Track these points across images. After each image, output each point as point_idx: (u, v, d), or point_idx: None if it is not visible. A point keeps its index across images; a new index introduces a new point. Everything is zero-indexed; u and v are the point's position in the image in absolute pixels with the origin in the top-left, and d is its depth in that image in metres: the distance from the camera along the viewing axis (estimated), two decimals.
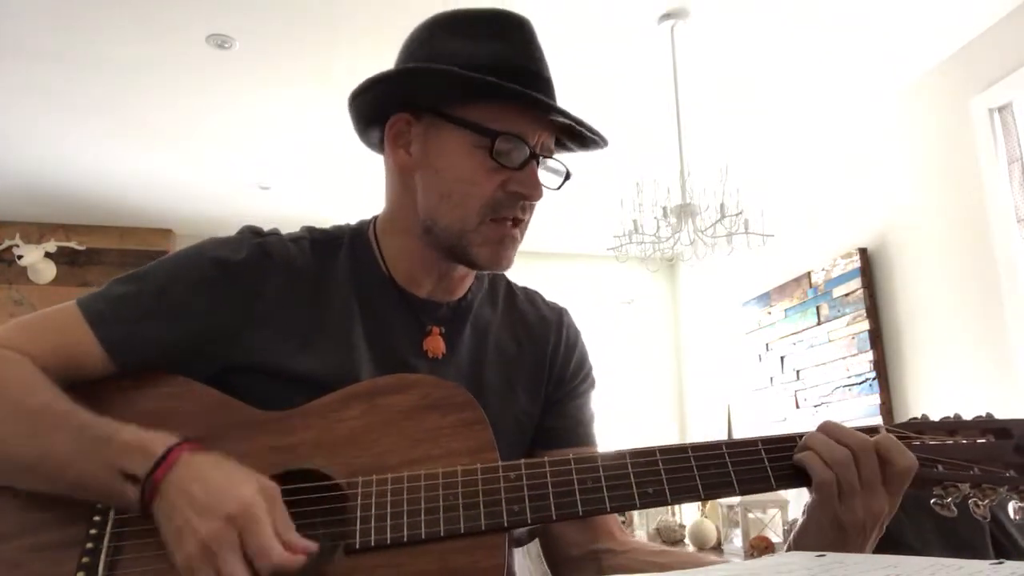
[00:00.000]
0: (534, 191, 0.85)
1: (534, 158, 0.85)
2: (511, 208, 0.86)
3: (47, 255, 4.74)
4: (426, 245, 0.90)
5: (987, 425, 0.76)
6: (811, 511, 0.75)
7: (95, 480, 0.71)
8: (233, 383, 0.83)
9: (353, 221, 0.99)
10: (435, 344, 0.91)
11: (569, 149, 0.94)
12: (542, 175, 0.87)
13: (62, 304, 0.84)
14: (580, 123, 0.87)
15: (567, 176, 0.92)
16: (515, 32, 0.89)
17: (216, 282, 0.84)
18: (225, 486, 0.68)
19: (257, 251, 0.87)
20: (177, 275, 0.85)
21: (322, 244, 0.92)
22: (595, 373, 1.04)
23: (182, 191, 4.45)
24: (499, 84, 0.81)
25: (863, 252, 3.62)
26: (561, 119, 0.86)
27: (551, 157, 0.89)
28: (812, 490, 0.74)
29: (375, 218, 0.97)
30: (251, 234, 0.90)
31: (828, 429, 0.76)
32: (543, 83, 0.87)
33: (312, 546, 0.69)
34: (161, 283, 0.84)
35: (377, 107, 0.89)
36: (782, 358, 4.18)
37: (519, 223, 0.88)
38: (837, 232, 3.85)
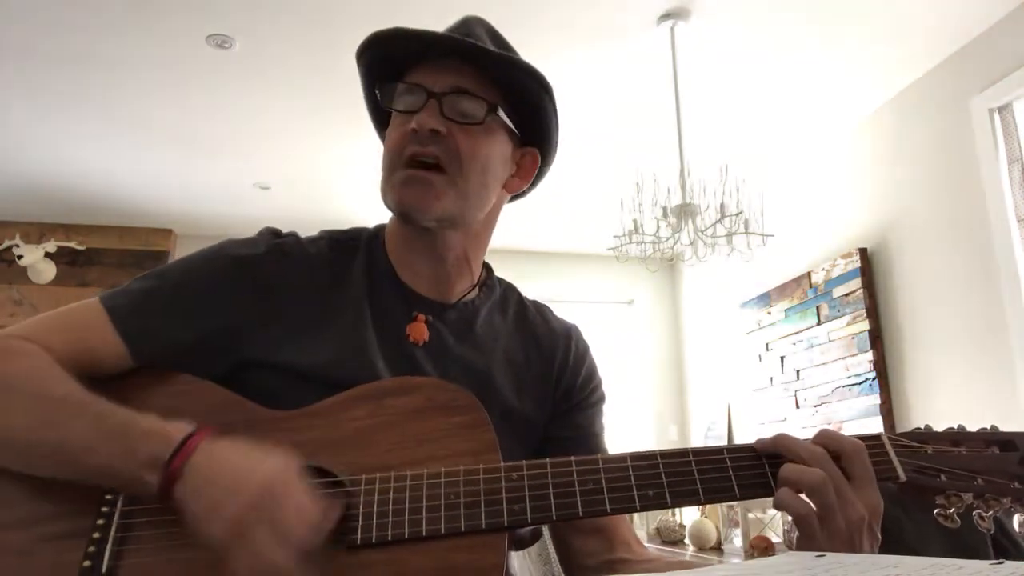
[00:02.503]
0: (419, 117, 0.87)
1: (433, 98, 0.88)
2: (409, 146, 0.88)
3: (47, 255, 4.75)
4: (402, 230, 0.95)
5: (992, 437, 0.75)
6: (798, 546, 0.73)
7: (113, 468, 0.72)
8: (247, 379, 0.85)
9: (353, 220, 1.01)
10: (418, 330, 0.92)
11: (504, 85, 0.92)
12: (452, 108, 0.88)
13: (84, 300, 0.86)
14: (441, 40, 0.90)
15: (491, 108, 0.90)
16: (458, 24, 0.96)
17: (233, 278, 0.87)
18: (246, 467, 0.70)
19: (274, 249, 0.90)
20: (196, 271, 0.88)
21: (340, 244, 0.96)
22: (604, 389, 1.04)
23: (182, 191, 4.45)
24: (371, 40, 0.90)
25: (863, 252, 3.62)
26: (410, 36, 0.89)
27: (459, 94, 0.89)
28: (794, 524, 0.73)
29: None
30: (270, 235, 0.93)
31: (799, 452, 0.73)
32: (420, 34, 0.90)
33: (334, 516, 0.71)
34: (180, 279, 0.87)
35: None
36: (782, 358, 4.18)
37: (418, 163, 0.88)
38: (837, 232, 3.85)
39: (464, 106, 0.89)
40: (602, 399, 1.03)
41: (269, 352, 0.85)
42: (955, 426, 0.78)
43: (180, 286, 0.86)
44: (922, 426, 0.79)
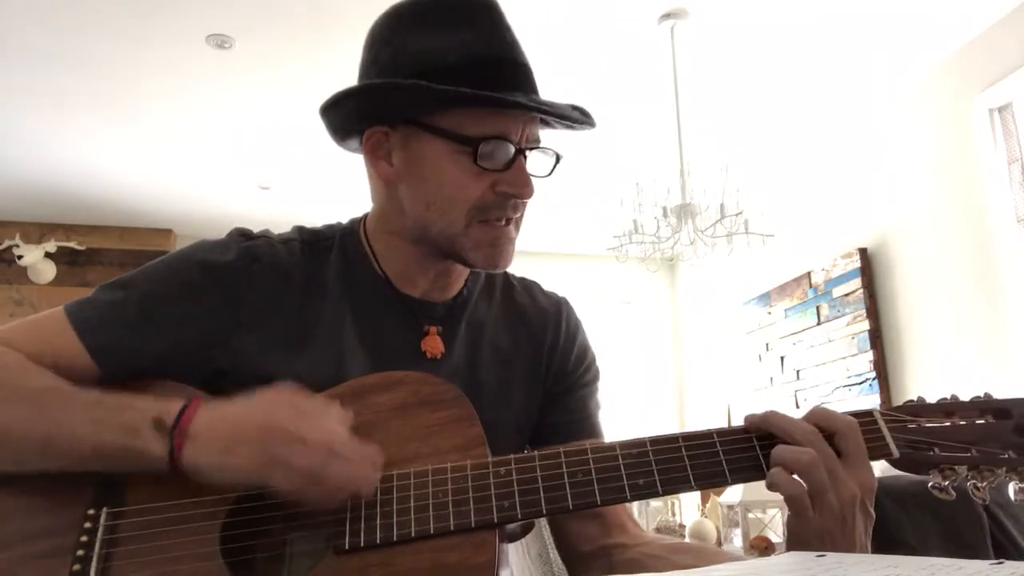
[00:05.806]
0: (524, 190, 0.83)
1: (520, 154, 0.82)
2: (501, 209, 0.83)
3: (47, 255, 4.74)
4: (419, 248, 0.88)
5: (985, 405, 0.74)
6: (791, 526, 0.71)
7: (115, 446, 0.72)
8: (224, 390, 0.82)
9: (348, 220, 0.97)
10: (434, 344, 0.89)
11: (555, 126, 0.90)
12: (532, 162, 0.85)
13: (50, 311, 0.83)
14: (564, 115, 0.84)
15: (558, 159, 0.88)
16: (482, 17, 0.84)
17: (203, 287, 0.83)
18: (247, 407, 0.73)
19: (245, 254, 0.85)
20: (164, 281, 0.84)
21: (312, 245, 0.90)
22: (599, 364, 1.01)
23: (182, 191, 4.45)
24: (474, 94, 0.78)
25: (863, 252, 3.62)
26: (544, 112, 0.83)
27: (538, 147, 0.85)
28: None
29: (365, 216, 0.95)
30: (240, 237, 0.88)
31: (791, 432, 0.71)
32: (519, 70, 0.83)
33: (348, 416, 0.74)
34: (148, 289, 0.83)
35: (349, 120, 0.87)
36: (782, 358, 4.18)
37: (511, 221, 0.85)
38: (837, 232, 3.85)
39: (538, 161, 0.86)
40: (596, 378, 1.00)
41: (244, 363, 0.82)
42: (948, 395, 0.76)
43: (147, 297, 0.82)
44: (915, 398, 0.77)
